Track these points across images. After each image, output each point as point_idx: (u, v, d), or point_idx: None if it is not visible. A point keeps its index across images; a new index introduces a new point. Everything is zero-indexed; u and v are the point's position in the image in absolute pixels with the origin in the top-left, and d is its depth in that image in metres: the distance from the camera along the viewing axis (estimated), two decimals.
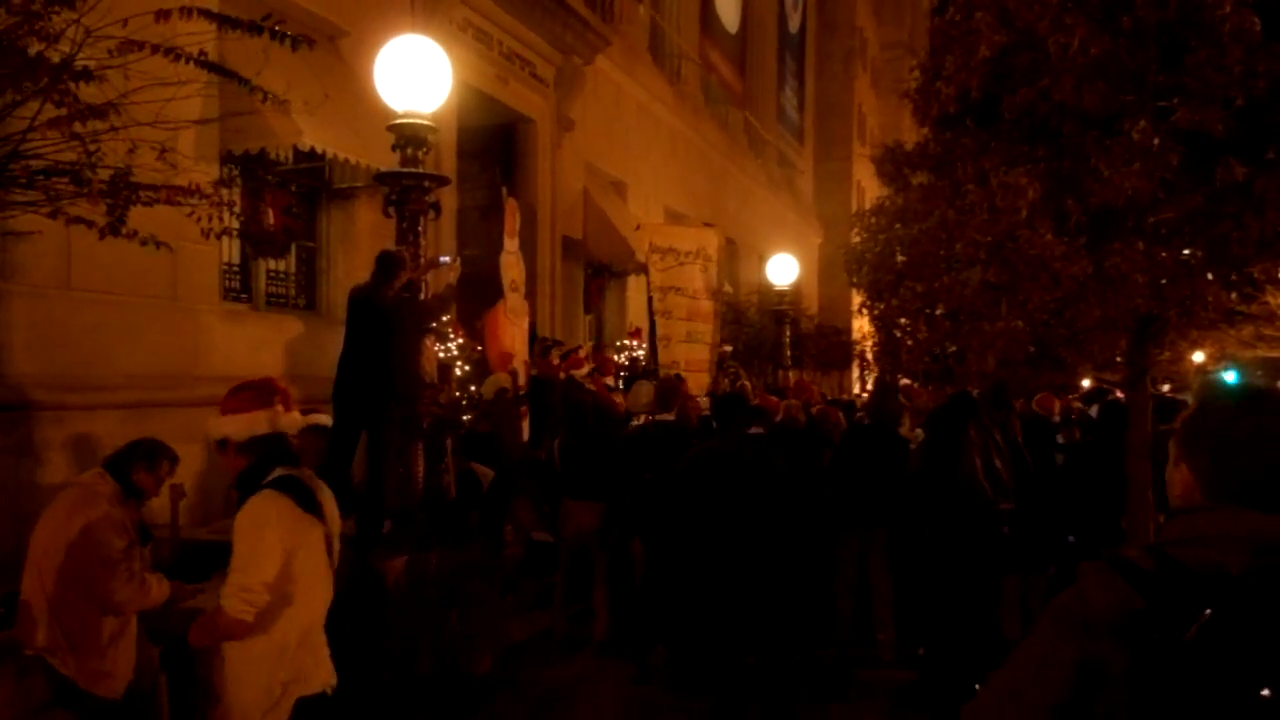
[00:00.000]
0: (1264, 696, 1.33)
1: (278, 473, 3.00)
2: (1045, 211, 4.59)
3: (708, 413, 7.83)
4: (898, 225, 5.48)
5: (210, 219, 4.91)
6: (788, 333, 13.80)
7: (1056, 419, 8.19)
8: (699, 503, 4.80)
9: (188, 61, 4.50)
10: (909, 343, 5.90)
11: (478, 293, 9.49)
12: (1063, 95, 4.37)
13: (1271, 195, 4.23)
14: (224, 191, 5.29)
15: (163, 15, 4.39)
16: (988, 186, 4.50)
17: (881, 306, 5.71)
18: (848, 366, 22.94)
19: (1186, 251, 4.82)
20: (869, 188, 32.28)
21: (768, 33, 24.71)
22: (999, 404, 5.71)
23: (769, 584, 4.72)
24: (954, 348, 5.66)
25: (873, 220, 5.69)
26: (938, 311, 5.19)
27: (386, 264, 5.85)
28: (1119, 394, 7.39)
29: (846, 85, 32.96)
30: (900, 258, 5.40)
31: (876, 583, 6.39)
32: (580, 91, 13.07)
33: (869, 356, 18.86)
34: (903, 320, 5.63)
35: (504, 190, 10.04)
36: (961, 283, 4.72)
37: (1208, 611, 1.36)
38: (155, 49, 4.34)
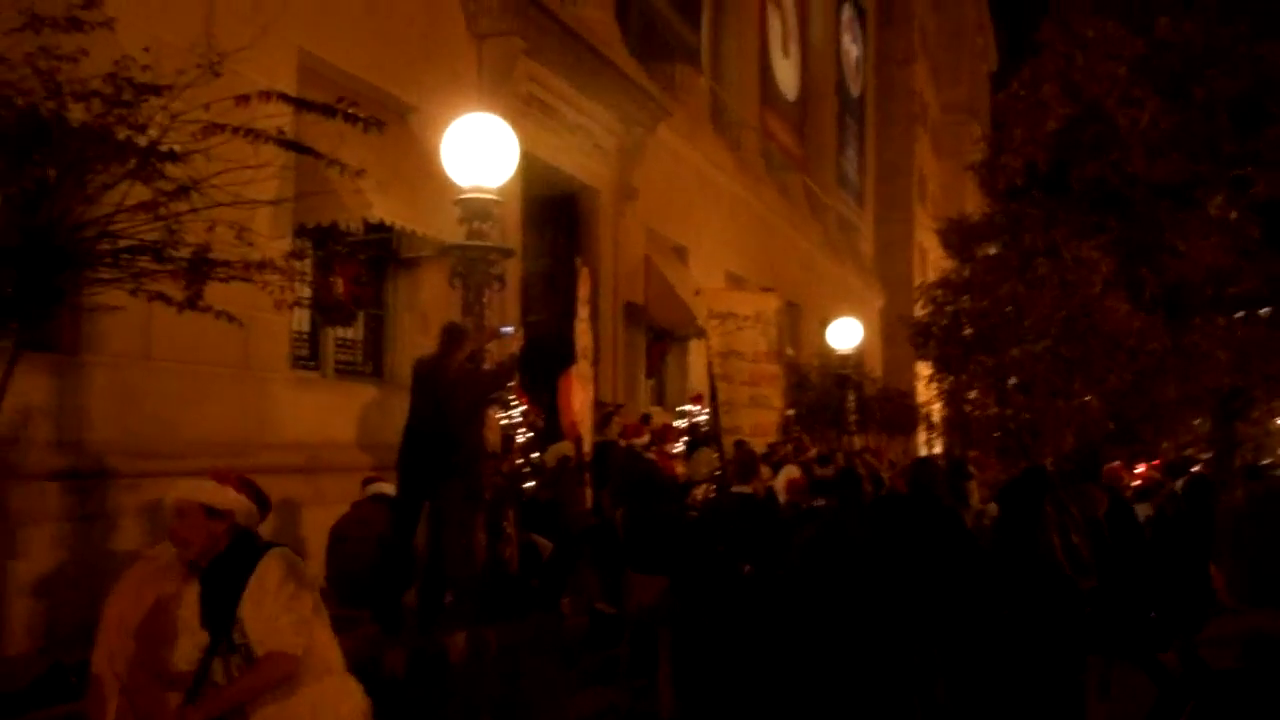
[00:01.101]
0: None
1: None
2: (1118, 284, 4.48)
3: (770, 483, 7.71)
4: (965, 298, 5.39)
5: (283, 290, 5.03)
6: (851, 396, 13.63)
7: (1128, 492, 7.87)
8: (820, 579, 4.72)
9: (266, 141, 4.67)
10: (977, 413, 5.76)
11: (546, 359, 9.56)
12: (1134, 168, 4.29)
13: None
14: (296, 264, 5.43)
15: (242, 100, 4.57)
16: (1058, 260, 4.41)
17: (950, 380, 5.60)
18: (914, 431, 22.52)
19: (1265, 310, 4.66)
20: (930, 248, 32.04)
21: (827, 99, 24.87)
22: (1087, 476, 5.51)
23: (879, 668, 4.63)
24: (1028, 416, 5.51)
25: (938, 293, 5.60)
26: (1010, 382, 5.07)
27: (451, 336, 5.92)
28: (1202, 466, 7.12)
29: (907, 149, 32.97)
30: (968, 330, 5.30)
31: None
32: (642, 160, 13.25)
33: (935, 420, 18.51)
34: (972, 394, 5.51)
35: (578, 260, 10.15)
36: (1035, 356, 4.61)
37: (1191, 704, 1.51)
38: (236, 131, 4.51)
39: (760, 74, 19.82)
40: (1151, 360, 4.28)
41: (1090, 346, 4.32)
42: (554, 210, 12.30)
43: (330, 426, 7.73)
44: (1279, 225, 4.23)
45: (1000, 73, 45.29)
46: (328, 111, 4.86)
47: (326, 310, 8.35)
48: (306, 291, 7.91)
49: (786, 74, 22.00)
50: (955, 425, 5.87)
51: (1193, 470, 7.33)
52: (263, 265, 4.77)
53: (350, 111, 4.85)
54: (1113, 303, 4.21)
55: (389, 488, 6.35)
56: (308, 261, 7.63)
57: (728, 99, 18.24)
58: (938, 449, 20.13)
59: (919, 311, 5.59)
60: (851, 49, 27.60)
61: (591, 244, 12.47)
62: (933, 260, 32.37)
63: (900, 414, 21.18)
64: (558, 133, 11.47)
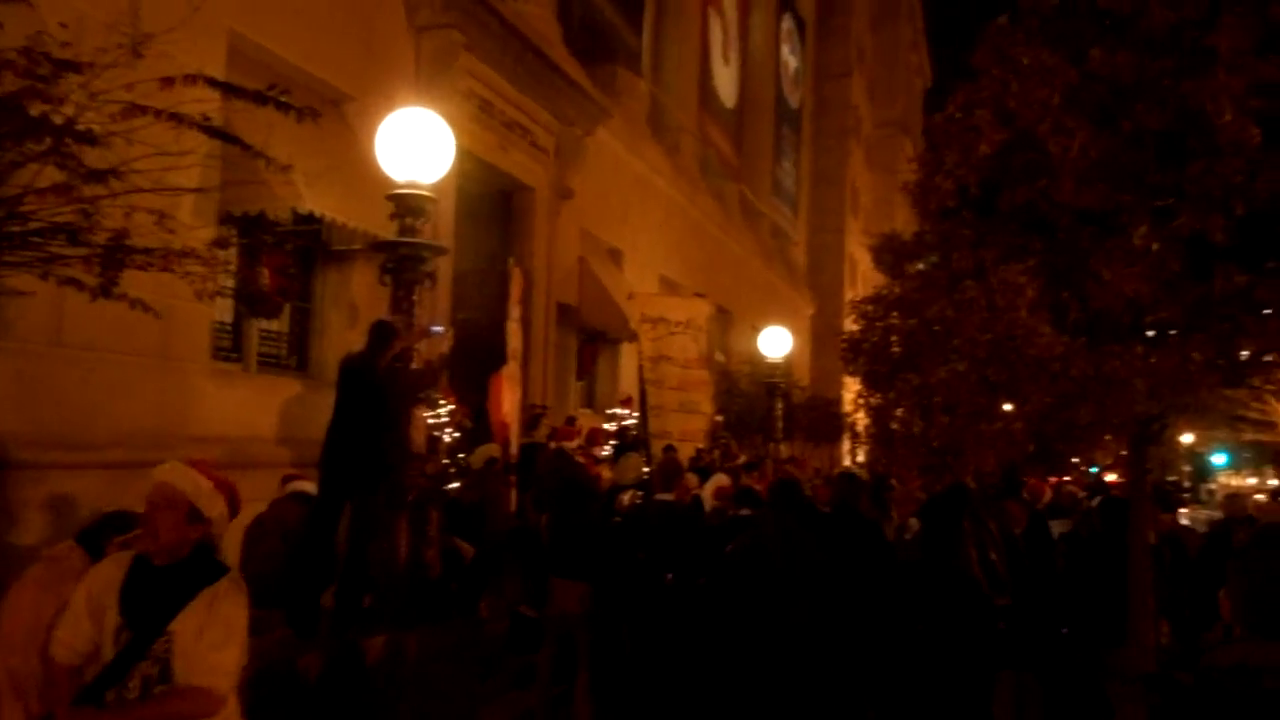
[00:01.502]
0: None
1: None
2: (1043, 306, 4.60)
3: (698, 491, 7.73)
4: (894, 314, 5.48)
5: (204, 280, 4.87)
6: (780, 405, 13.76)
7: (1041, 507, 8.08)
8: (746, 590, 4.74)
9: (190, 127, 4.50)
10: (901, 431, 5.85)
11: (475, 357, 9.45)
12: (1062, 196, 4.40)
13: (1273, 303, 4.26)
14: (219, 254, 5.25)
15: (167, 82, 4.40)
16: (986, 282, 4.51)
17: (878, 398, 5.68)
18: (839, 439, 22.87)
19: (1173, 332, 4.83)
20: (861, 259, 32.60)
21: (764, 109, 25.13)
22: (1009, 491, 5.67)
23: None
24: (952, 434, 5.60)
25: (869, 308, 5.68)
26: (936, 400, 5.16)
27: (381, 334, 5.80)
28: (1114, 479, 7.33)
29: (841, 160, 33.52)
30: (896, 349, 5.39)
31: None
32: (580, 161, 13.21)
33: (860, 430, 18.81)
34: (899, 412, 5.60)
35: (510, 260, 10.08)
36: (960, 376, 4.69)
37: None
38: (159, 114, 4.34)
39: (700, 80, 19.93)
40: (1073, 385, 4.38)
41: (1016, 370, 4.41)
42: (489, 207, 12.19)
43: (251, 421, 7.53)
44: (1199, 258, 4.39)
45: (934, 90, 46.30)
46: (258, 99, 4.71)
47: (251, 301, 8.13)
48: (230, 281, 7.69)
49: (726, 82, 22.18)
50: (880, 441, 5.94)
51: (1110, 490, 7.55)
52: (184, 254, 4.59)
53: (282, 99, 4.71)
54: (1034, 323, 4.29)
55: (309, 486, 6.20)
56: (232, 251, 7.42)
57: (667, 103, 18.30)
58: (861, 458, 20.49)
59: (850, 326, 5.62)
60: (790, 60, 27.94)
61: (526, 243, 12.39)
62: (863, 271, 32.97)
63: (826, 421, 21.53)
64: (495, 130, 11.36)
